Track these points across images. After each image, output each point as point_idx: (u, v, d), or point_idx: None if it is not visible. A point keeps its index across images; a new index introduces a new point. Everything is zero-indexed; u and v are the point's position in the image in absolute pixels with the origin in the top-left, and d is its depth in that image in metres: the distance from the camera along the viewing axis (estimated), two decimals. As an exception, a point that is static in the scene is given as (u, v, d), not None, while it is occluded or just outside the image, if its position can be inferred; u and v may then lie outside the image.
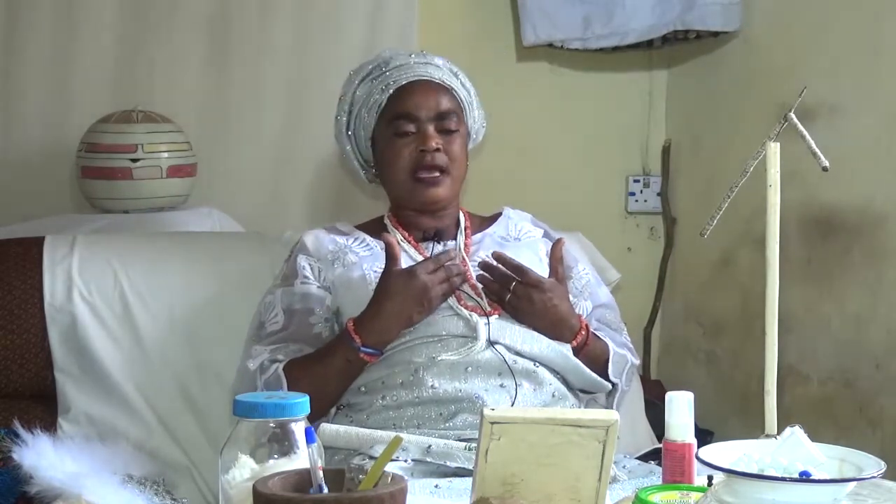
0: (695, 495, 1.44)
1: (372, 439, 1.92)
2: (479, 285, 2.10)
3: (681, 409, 1.59)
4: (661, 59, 3.37)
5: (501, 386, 2.00)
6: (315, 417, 1.98)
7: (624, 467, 1.94)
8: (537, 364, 2.05)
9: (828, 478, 1.32)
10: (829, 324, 2.77)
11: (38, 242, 2.37)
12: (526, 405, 1.98)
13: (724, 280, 3.16)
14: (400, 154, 2.12)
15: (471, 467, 1.67)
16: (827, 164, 1.55)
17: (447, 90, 2.15)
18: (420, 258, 2.12)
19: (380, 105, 2.13)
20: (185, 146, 2.82)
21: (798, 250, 2.84)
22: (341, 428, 1.97)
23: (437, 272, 2.02)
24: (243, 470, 1.37)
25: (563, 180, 3.30)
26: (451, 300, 2.07)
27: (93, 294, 2.32)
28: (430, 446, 1.88)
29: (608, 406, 2.16)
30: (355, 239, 2.18)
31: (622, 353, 2.17)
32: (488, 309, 2.07)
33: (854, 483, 1.32)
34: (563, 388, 2.08)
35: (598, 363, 2.13)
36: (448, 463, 1.86)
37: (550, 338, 2.08)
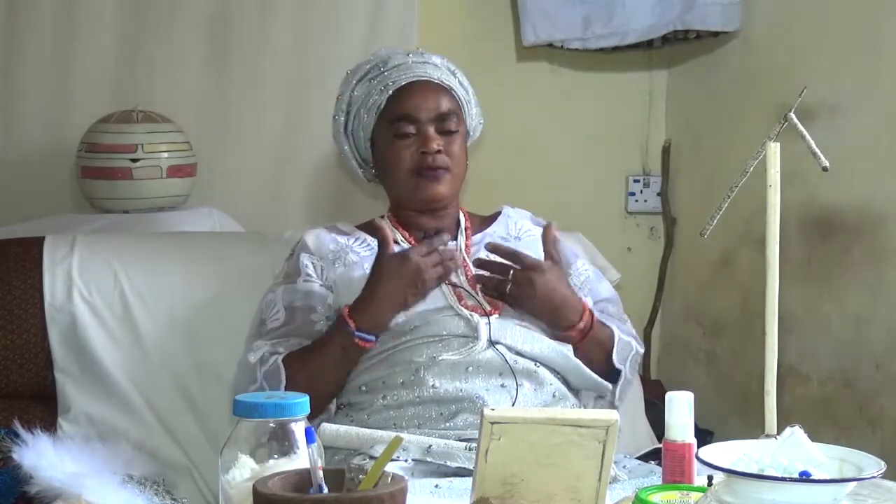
0: (695, 495, 1.44)
1: (372, 439, 1.92)
2: (479, 285, 2.10)
3: (681, 409, 1.59)
4: (661, 59, 3.37)
5: (502, 386, 2.00)
6: (315, 410, 1.98)
7: (624, 467, 1.94)
8: (538, 364, 2.05)
9: (828, 478, 1.32)
10: (829, 324, 2.77)
11: (38, 242, 2.37)
12: (526, 405, 1.98)
13: (724, 280, 3.16)
14: (401, 155, 2.12)
15: (471, 467, 1.67)
16: (827, 164, 1.55)
17: (446, 90, 2.15)
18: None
19: (379, 106, 2.13)
20: (185, 146, 2.82)
21: (798, 250, 2.84)
22: (341, 428, 1.97)
23: (431, 255, 2.03)
24: (243, 470, 1.37)
25: (563, 180, 3.30)
26: (452, 300, 2.08)
27: (93, 294, 2.32)
28: (430, 446, 1.88)
29: (612, 398, 2.15)
30: (356, 239, 2.18)
31: (627, 340, 2.17)
32: (489, 308, 2.07)
33: (854, 483, 1.32)
34: (564, 389, 2.08)
35: (604, 349, 2.13)
36: (448, 463, 1.86)
37: (556, 324, 2.08)
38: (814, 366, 2.81)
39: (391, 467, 1.51)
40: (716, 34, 3.11)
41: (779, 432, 1.46)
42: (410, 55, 2.18)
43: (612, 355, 2.13)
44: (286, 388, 1.98)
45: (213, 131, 3.02)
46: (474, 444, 1.67)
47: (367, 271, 2.09)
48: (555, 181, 3.28)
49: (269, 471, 1.35)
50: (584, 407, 2.13)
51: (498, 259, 2.09)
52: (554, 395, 2.05)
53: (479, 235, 2.21)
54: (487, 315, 2.06)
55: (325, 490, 1.31)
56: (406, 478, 1.35)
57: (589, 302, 2.21)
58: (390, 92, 2.12)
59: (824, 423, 2.72)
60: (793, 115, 1.57)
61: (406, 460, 1.86)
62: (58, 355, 2.29)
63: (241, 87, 3.05)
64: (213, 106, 3.04)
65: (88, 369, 2.29)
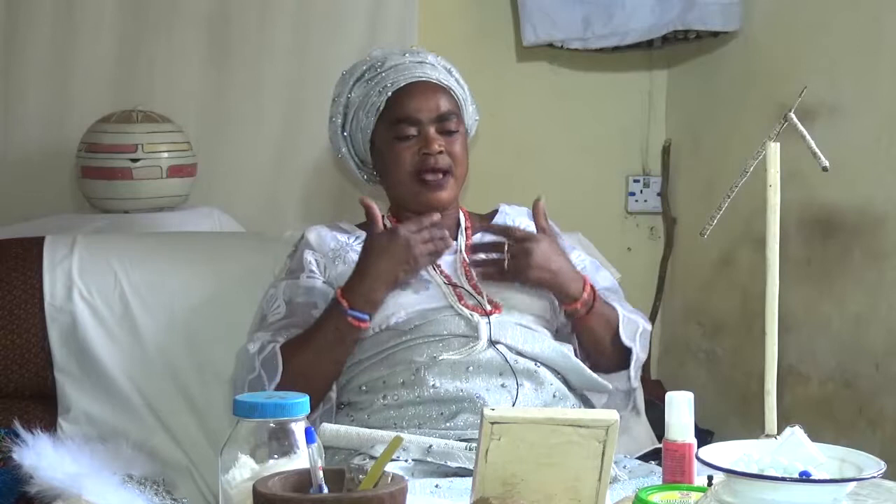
0: (695, 495, 1.44)
1: (372, 439, 1.92)
2: (480, 285, 2.10)
3: (681, 409, 1.59)
4: (661, 59, 3.37)
5: (503, 386, 2.00)
6: (314, 396, 1.98)
7: (624, 467, 1.94)
8: (538, 364, 2.05)
9: (828, 478, 1.32)
10: (829, 324, 2.77)
11: (38, 242, 2.37)
12: (527, 405, 1.98)
13: (724, 280, 3.16)
14: (402, 158, 2.11)
15: (471, 467, 1.67)
16: (827, 164, 1.55)
17: (445, 90, 2.15)
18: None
19: (378, 108, 2.13)
20: (185, 146, 2.82)
21: (798, 250, 2.84)
22: (342, 428, 1.97)
23: (421, 232, 2.03)
24: (243, 470, 1.37)
25: (563, 180, 3.30)
26: (452, 299, 2.08)
27: (93, 294, 2.32)
28: (430, 446, 1.88)
29: (628, 382, 2.14)
30: (356, 238, 2.18)
31: (632, 318, 2.16)
32: (489, 308, 2.07)
33: (854, 483, 1.32)
34: (564, 389, 2.08)
35: (610, 326, 2.13)
36: (449, 463, 1.86)
37: (560, 295, 2.08)
38: (814, 366, 2.81)
39: (391, 467, 1.51)
40: (716, 34, 3.11)
41: (779, 432, 1.46)
42: (407, 55, 2.17)
43: (619, 333, 2.13)
44: (283, 374, 1.98)
45: (213, 131, 3.02)
46: (474, 444, 1.67)
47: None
48: (555, 181, 3.28)
49: (269, 471, 1.35)
50: (597, 403, 2.13)
51: (490, 237, 2.09)
52: (554, 395, 2.04)
53: (478, 235, 2.21)
54: (488, 315, 2.06)
55: (325, 490, 1.31)
56: (406, 478, 1.36)
57: None
58: (389, 93, 2.12)
59: (824, 423, 2.72)
60: (793, 115, 1.57)
61: (406, 460, 1.86)
62: (58, 355, 2.29)
63: (241, 87, 3.05)
64: (213, 106, 3.04)
65: (88, 369, 2.29)
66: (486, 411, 1.40)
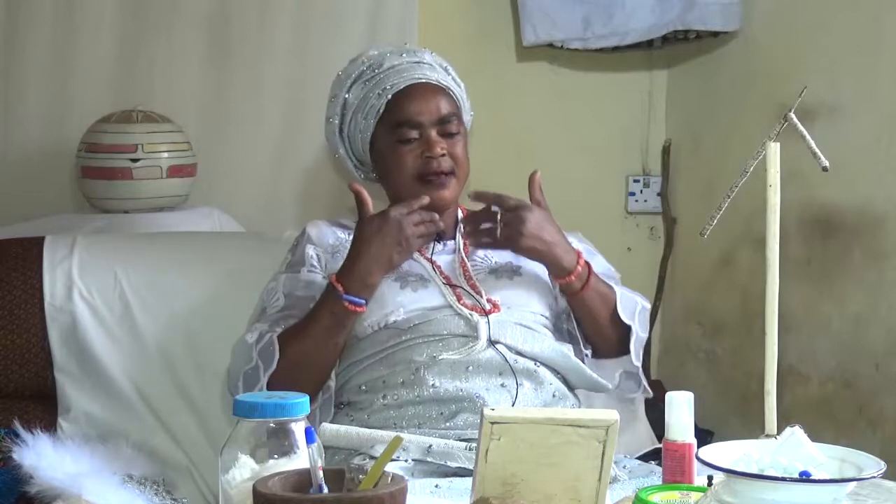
0: (695, 495, 1.44)
1: (372, 439, 1.92)
2: (479, 285, 2.10)
3: (681, 409, 1.59)
4: (661, 59, 3.37)
5: (502, 385, 2.00)
6: (314, 386, 1.98)
7: (624, 467, 1.94)
8: (538, 363, 2.05)
9: (828, 478, 1.32)
10: (829, 324, 2.77)
11: (38, 242, 2.37)
12: (526, 405, 1.98)
13: (724, 280, 3.16)
14: (405, 161, 2.11)
15: (471, 467, 1.67)
16: (827, 164, 1.55)
17: (444, 91, 2.14)
18: (419, 257, 2.12)
19: (378, 111, 2.12)
20: (185, 146, 2.82)
21: (798, 250, 2.84)
22: (342, 428, 1.97)
23: (411, 214, 2.03)
24: (243, 470, 1.37)
25: (563, 180, 3.29)
26: (451, 299, 2.07)
27: (93, 294, 2.32)
28: (430, 446, 1.88)
29: (630, 366, 2.14)
30: (356, 235, 2.18)
31: (630, 296, 2.16)
32: (488, 307, 2.07)
33: (854, 483, 1.32)
34: (564, 388, 2.08)
35: (607, 304, 2.13)
36: (448, 463, 1.86)
37: (553, 266, 2.09)
38: (814, 366, 2.81)
39: (391, 467, 1.51)
40: (716, 34, 3.12)
41: (779, 432, 1.46)
42: (404, 55, 2.16)
43: (617, 310, 2.12)
44: (280, 362, 1.98)
45: (213, 131, 3.02)
46: (474, 444, 1.67)
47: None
48: (555, 181, 3.26)
49: (269, 471, 1.35)
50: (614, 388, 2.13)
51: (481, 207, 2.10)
52: (554, 395, 2.04)
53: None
54: (487, 314, 2.06)
55: (325, 490, 1.31)
56: (406, 478, 1.36)
57: None
58: (389, 96, 2.11)
59: (824, 423, 2.72)
60: (793, 115, 1.57)
61: (406, 460, 1.86)
62: (58, 355, 2.29)
63: (241, 87, 3.05)
64: (213, 106, 3.04)
65: (88, 369, 2.29)
66: (486, 411, 1.40)
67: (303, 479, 1.32)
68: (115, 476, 1.73)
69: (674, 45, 3.20)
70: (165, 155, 2.77)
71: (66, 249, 2.36)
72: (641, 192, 3.41)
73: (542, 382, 2.04)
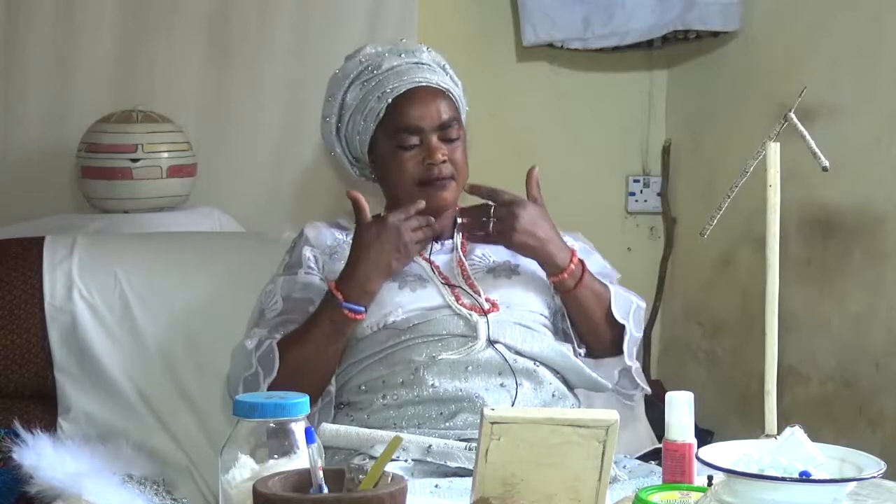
0: (695, 495, 1.44)
1: (372, 439, 1.92)
2: (477, 284, 2.10)
3: (681, 409, 1.59)
4: (661, 59, 3.37)
5: (502, 385, 2.00)
6: (314, 392, 1.98)
7: (624, 467, 1.94)
8: (537, 363, 2.05)
9: (828, 478, 1.32)
10: (829, 324, 2.77)
11: (38, 242, 2.37)
12: (526, 405, 1.98)
13: (724, 280, 3.16)
14: (406, 167, 2.10)
15: (471, 467, 1.67)
16: (827, 164, 1.55)
17: (444, 94, 2.13)
18: (419, 259, 2.12)
19: (378, 114, 2.11)
20: (185, 146, 2.82)
21: (798, 250, 2.84)
22: (341, 428, 1.97)
23: (409, 220, 2.03)
24: (243, 470, 1.37)
25: (563, 180, 3.29)
26: (450, 299, 2.07)
27: (93, 294, 2.32)
28: (430, 446, 1.88)
29: (624, 365, 2.14)
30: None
31: (625, 295, 2.16)
32: (487, 307, 2.07)
33: (854, 483, 1.32)
34: (564, 388, 2.08)
35: (601, 302, 2.13)
36: (448, 463, 1.86)
37: (546, 263, 2.09)
38: (814, 366, 2.81)
39: (391, 467, 1.51)
40: (716, 34, 3.12)
41: (779, 432, 1.46)
42: (403, 55, 2.14)
43: (611, 309, 2.12)
44: (280, 369, 1.98)
45: (213, 131, 3.02)
46: (474, 444, 1.67)
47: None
48: (555, 181, 3.27)
49: (269, 471, 1.35)
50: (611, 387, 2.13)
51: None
52: (553, 395, 2.04)
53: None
54: (486, 313, 2.05)
55: (325, 490, 1.31)
56: (406, 478, 1.36)
57: None
58: (389, 100, 2.10)
59: (824, 423, 2.72)
60: (793, 115, 1.57)
61: (406, 460, 1.86)
62: (58, 355, 2.29)
63: (241, 87, 3.05)
64: (213, 106, 3.04)
65: (88, 369, 2.29)
66: (486, 411, 1.40)
67: (303, 479, 1.32)
68: (115, 476, 1.73)
69: (674, 45, 3.20)
70: (165, 155, 2.77)
71: (66, 249, 2.36)
72: (641, 192, 3.41)
73: (542, 382, 2.04)
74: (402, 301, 2.07)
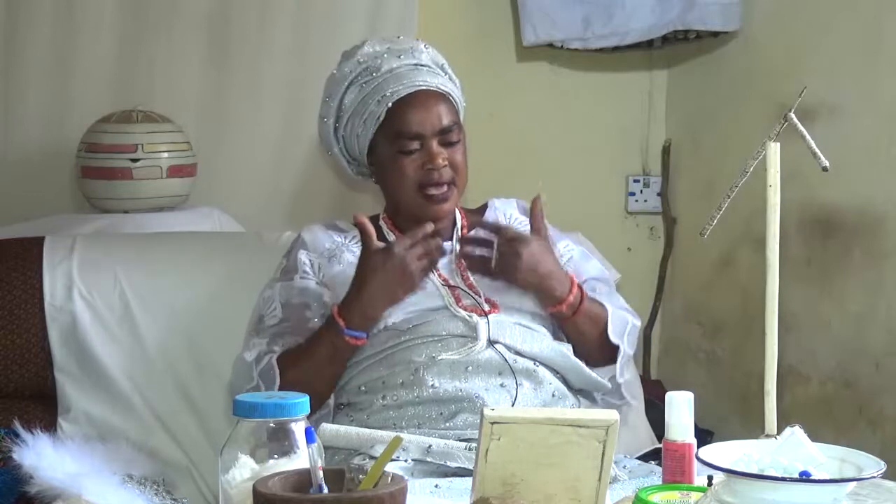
0: (695, 495, 1.44)
1: (372, 439, 1.92)
2: (476, 285, 2.10)
3: (681, 409, 1.59)
4: (661, 59, 3.37)
5: (502, 385, 2.00)
6: (312, 407, 1.98)
7: (624, 467, 1.94)
8: (537, 363, 2.05)
9: (828, 478, 1.32)
10: (829, 324, 2.77)
11: (38, 242, 2.37)
12: (526, 405, 1.98)
13: (724, 280, 3.16)
14: (406, 172, 2.10)
15: (471, 467, 1.67)
16: (827, 164, 1.55)
17: (445, 97, 2.12)
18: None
19: (378, 118, 2.10)
20: (185, 146, 2.82)
21: (798, 250, 2.84)
22: (341, 428, 1.97)
23: (415, 247, 2.01)
24: (243, 470, 1.37)
25: (563, 180, 3.30)
26: (450, 300, 2.07)
27: (93, 294, 2.32)
28: (430, 446, 1.88)
29: (615, 379, 2.14)
30: (353, 237, 2.18)
31: (621, 314, 2.16)
32: (487, 308, 2.07)
33: (854, 483, 1.32)
34: (563, 388, 2.07)
35: (598, 325, 2.12)
36: (448, 463, 1.86)
37: (544, 297, 2.08)
38: (814, 366, 2.81)
39: (391, 467, 1.51)
40: (716, 34, 3.12)
41: (779, 432, 1.46)
42: (402, 56, 2.13)
43: (607, 331, 2.12)
44: (281, 387, 1.98)
45: (213, 131, 3.02)
46: (474, 444, 1.67)
47: (364, 271, 2.08)
48: (555, 181, 3.27)
49: (269, 471, 1.35)
50: (594, 397, 2.12)
51: (482, 234, 2.09)
52: (553, 395, 2.04)
53: (472, 233, 2.21)
54: (486, 314, 2.05)
55: (325, 490, 1.31)
56: (406, 478, 1.36)
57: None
58: (389, 104, 2.09)
59: (824, 423, 2.72)
60: (793, 115, 1.57)
61: (406, 460, 1.86)
62: (58, 355, 2.29)
63: (240, 87, 3.05)
64: (213, 106, 3.04)
65: (88, 369, 2.29)
66: (486, 411, 1.40)
67: (303, 479, 1.32)
68: (115, 476, 1.73)
69: (674, 45, 3.20)
70: (165, 155, 2.77)
71: (66, 249, 2.36)
72: (641, 192, 3.41)
73: (542, 382, 2.04)
74: (403, 302, 2.07)
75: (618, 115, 3.38)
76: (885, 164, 2.62)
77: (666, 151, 3.39)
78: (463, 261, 2.12)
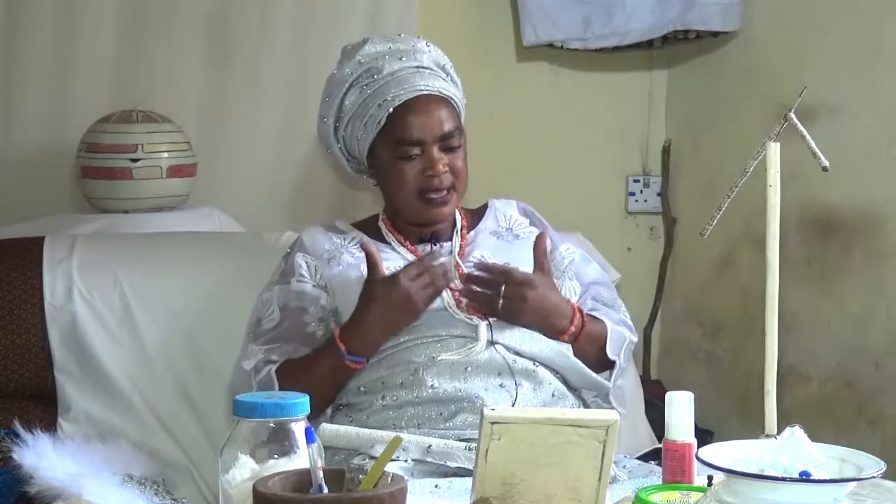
0: (695, 495, 1.44)
1: (372, 439, 1.92)
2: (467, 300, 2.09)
3: (681, 409, 1.59)
4: (661, 59, 3.37)
5: (501, 386, 2.00)
6: (309, 418, 1.98)
7: (624, 467, 1.94)
8: (537, 364, 2.05)
9: (828, 478, 1.32)
10: (829, 324, 2.77)
11: (38, 242, 2.37)
12: (526, 405, 1.98)
13: (724, 280, 3.16)
14: (406, 177, 2.09)
15: (471, 467, 1.67)
16: (827, 164, 1.55)
17: (446, 101, 2.11)
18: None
19: (379, 122, 2.09)
20: (185, 146, 2.82)
21: (798, 250, 2.84)
22: (341, 428, 1.97)
23: (421, 277, 2.00)
24: (243, 470, 1.37)
25: (563, 180, 3.30)
26: (450, 303, 2.06)
27: (93, 294, 2.32)
28: (430, 446, 1.88)
29: (608, 381, 2.14)
30: (352, 238, 2.18)
31: (620, 331, 2.16)
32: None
33: (854, 483, 1.32)
34: (563, 388, 2.07)
35: (597, 344, 2.13)
36: (448, 463, 1.86)
37: (547, 332, 2.07)
38: (814, 366, 2.81)
39: (391, 467, 1.51)
40: (716, 34, 3.12)
41: (779, 432, 1.46)
42: (403, 58, 2.11)
43: (605, 349, 2.13)
44: None
45: (213, 131, 3.02)
46: (474, 444, 1.67)
47: (364, 274, 2.08)
48: (555, 181, 3.28)
49: (269, 471, 1.35)
50: (585, 401, 2.13)
51: (488, 275, 2.07)
52: (553, 395, 2.04)
53: (471, 233, 2.21)
54: (487, 317, 2.05)
55: (325, 490, 1.31)
56: (406, 478, 1.36)
57: (575, 286, 2.20)
58: (391, 109, 2.08)
59: (824, 423, 2.72)
60: (793, 115, 1.57)
61: (406, 460, 1.86)
62: (58, 355, 2.29)
63: (240, 87, 3.05)
64: (213, 106, 3.04)
65: (88, 369, 2.29)
66: (486, 411, 1.40)
67: (303, 479, 1.32)
68: (115, 476, 1.73)
69: (674, 45, 3.20)
70: (165, 155, 2.77)
71: (66, 249, 2.36)
72: (641, 192, 3.41)
73: (542, 382, 2.03)
74: None
75: (618, 115, 3.38)
76: (885, 164, 2.62)
77: (666, 151, 3.39)
78: (462, 300, 2.09)
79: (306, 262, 2.15)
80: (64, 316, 2.30)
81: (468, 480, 1.57)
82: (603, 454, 1.42)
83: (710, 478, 1.50)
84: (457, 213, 2.22)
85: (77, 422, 2.27)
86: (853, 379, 2.70)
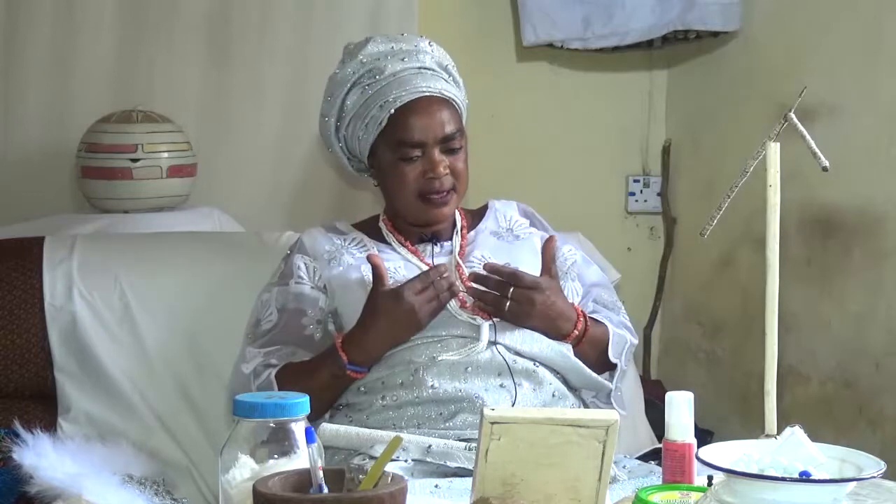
0: (695, 495, 1.44)
1: (372, 439, 1.92)
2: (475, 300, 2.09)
3: (681, 409, 1.59)
4: (661, 59, 3.37)
5: (501, 386, 2.00)
6: (308, 419, 1.98)
7: (624, 467, 1.94)
8: (537, 364, 2.05)
9: (828, 478, 1.32)
10: (829, 324, 2.77)
11: (38, 242, 2.37)
12: (526, 405, 1.98)
13: (724, 280, 3.16)
14: (407, 179, 2.09)
15: (471, 467, 1.67)
16: (827, 164, 1.55)
17: (448, 103, 2.11)
18: (416, 260, 2.12)
19: (380, 123, 2.09)
20: (185, 146, 2.82)
21: (798, 250, 2.84)
22: (341, 428, 1.97)
23: (426, 291, 2.00)
24: (243, 470, 1.37)
25: (563, 180, 3.30)
26: (452, 305, 2.06)
27: (93, 294, 2.32)
28: (430, 446, 1.88)
29: (608, 382, 2.14)
30: (352, 239, 2.18)
31: (621, 334, 2.16)
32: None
33: (854, 483, 1.32)
34: (563, 388, 2.07)
35: (599, 347, 2.13)
36: (448, 463, 1.86)
37: (551, 335, 2.07)
38: (814, 366, 2.81)
39: (391, 467, 1.51)
40: (716, 34, 3.12)
41: (779, 432, 1.46)
42: (405, 59, 2.11)
43: (607, 352, 2.13)
44: None
45: (213, 131, 3.03)
46: (474, 444, 1.67)
47: (364, 274, 2.08)
48: (555, 181, 3.28)
49: (269, 471, 1.35)
50: (584, 401, 2.13)
51: (496, 277, 2.07)
52: (553, 395, 2.04)
53: (472, 233, 2.21)
54: (491, 318, 2.05)
55: (325, 490, 1.31)
56: (406, 478, 1.36)
57: (578, 287, 2.20)
58: (392, 110, 2.08)
59: (824, 423, 2.72)
60: (793, 115, 1.57)
61: (406, 460, 1.86)
62: (58, 355, 2.29)
63: (241, 87, 3.06)
64: (213, 106, 3.04)
65: (88, 369, 2.29)
66: (486, 411, 1.40)
67: (303, 479, 1.32)
68: (115, 476, 1.73)
69: (674, 45, 3.20)
70: (165, 155, 2.77)
71: (66, 249, 2.35)
72: (641, 192, 3.41)
73: (542, 382, 2.03)
74: None
75: (618, 115, 3.38)
76: (885, 164, 2.62)
77: (666, 151, 3.40)
78: (468, 299, 2.09)
79: (305, 264, 2.14)
80: (64, 316, 2.30)
81: (468, 480, 1.57)
82: (603, 454, 1.42)
83: (710, 478, 1.50)
84: (457, 213, 2.21)
85: (77, 422, 2.27)
86: (853, 379, 2.70)
